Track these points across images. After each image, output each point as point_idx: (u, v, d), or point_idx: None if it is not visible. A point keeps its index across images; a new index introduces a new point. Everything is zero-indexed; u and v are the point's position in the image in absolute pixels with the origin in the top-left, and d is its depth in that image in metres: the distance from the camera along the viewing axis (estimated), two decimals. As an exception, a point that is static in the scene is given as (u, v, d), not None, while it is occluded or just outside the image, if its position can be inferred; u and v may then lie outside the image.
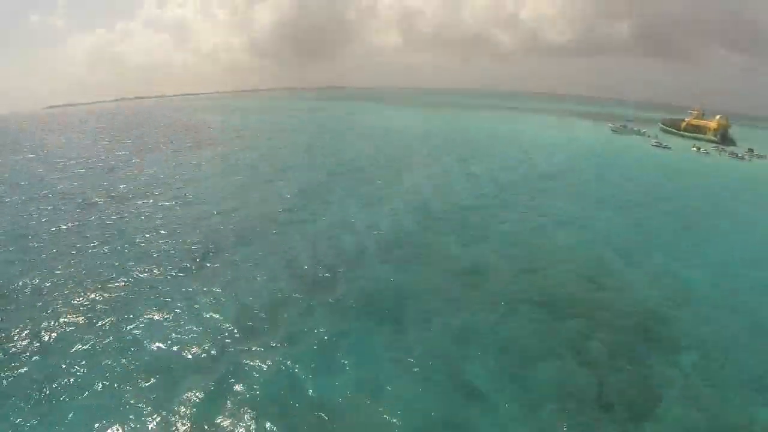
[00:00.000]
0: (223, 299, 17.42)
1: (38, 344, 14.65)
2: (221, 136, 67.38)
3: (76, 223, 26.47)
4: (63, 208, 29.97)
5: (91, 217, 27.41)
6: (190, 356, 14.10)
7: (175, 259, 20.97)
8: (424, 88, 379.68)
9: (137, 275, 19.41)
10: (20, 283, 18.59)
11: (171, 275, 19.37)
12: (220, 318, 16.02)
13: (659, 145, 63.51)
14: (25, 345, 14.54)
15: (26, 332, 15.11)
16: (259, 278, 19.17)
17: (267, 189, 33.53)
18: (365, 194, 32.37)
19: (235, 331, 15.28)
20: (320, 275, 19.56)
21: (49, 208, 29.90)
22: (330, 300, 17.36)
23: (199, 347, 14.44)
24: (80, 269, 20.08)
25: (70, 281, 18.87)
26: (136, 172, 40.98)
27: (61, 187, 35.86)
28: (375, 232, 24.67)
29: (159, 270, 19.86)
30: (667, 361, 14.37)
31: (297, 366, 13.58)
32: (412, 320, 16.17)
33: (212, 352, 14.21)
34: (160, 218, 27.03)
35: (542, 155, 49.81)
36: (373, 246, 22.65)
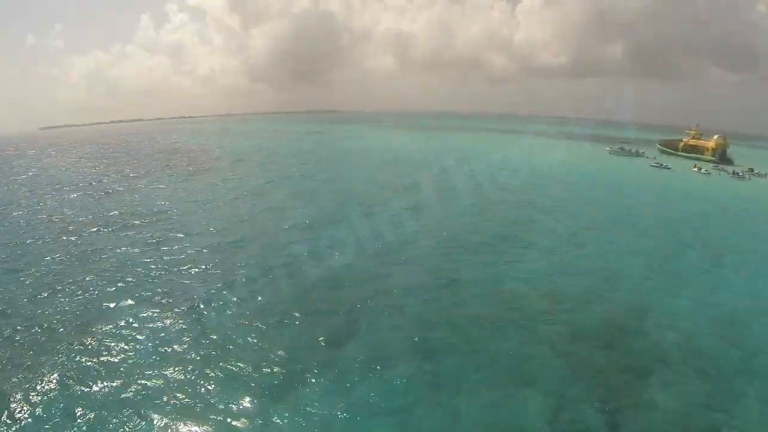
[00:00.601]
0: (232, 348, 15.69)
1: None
2: (219, 161, 65.93)
3: (60, 256, 24.70)
4: (50, 238, 28.34)
5: (81, 250, 25.73)
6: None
7: (169, 298, 19.32)
8: (417, 111, 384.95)
9: (127, 318, 17.70)
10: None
11: (168, 320, 17.65)
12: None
13: (659, 166, 63.16)
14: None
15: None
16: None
17: (272, 219, 31.37)
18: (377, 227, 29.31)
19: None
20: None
21: (36, 237, 28.26)
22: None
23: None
24: (64, 310, 18.36)
25: (53, 322, 17.15)
26: (131, 198, 39.42)
27: (51, 213, 34.27)
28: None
29: (153, 311, 18.18)
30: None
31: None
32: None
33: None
34: (157, 251, 25.38)
35: (541, 180, 48.63)
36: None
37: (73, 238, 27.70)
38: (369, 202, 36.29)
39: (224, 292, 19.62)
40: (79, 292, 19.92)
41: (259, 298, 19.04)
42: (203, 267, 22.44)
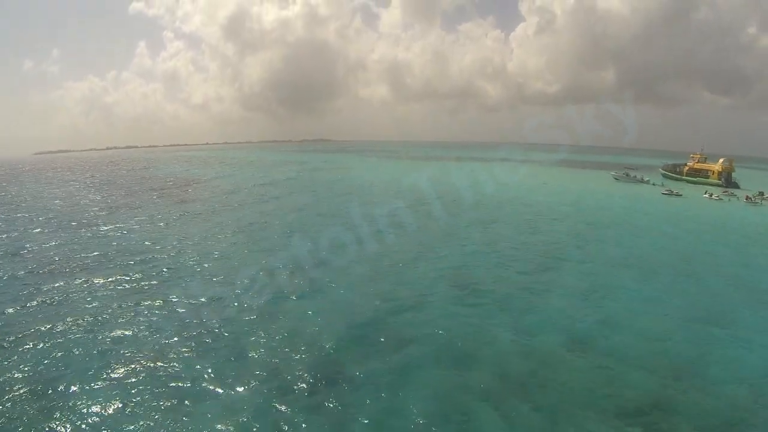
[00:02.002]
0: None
1: None
2: (212, 193, 62.65)
3: (22, 305, 21.20)
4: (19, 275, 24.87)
5: (47, 298, 22.25)
6: None
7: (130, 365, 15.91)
8: (411, 140, 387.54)
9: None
10: None
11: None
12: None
13: (670, 193, 61.12)
14: None
15: None
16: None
17: (267, 263, 27.25)
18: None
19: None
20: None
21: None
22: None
23: None
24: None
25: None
26: (113, 234, 36.00)
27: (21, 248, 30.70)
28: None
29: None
30: None
31: None
32: None
33: None
34: (130, 299, 22.02)
35: (552, 214, 45.27)
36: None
37: (35, 283, 24.19)
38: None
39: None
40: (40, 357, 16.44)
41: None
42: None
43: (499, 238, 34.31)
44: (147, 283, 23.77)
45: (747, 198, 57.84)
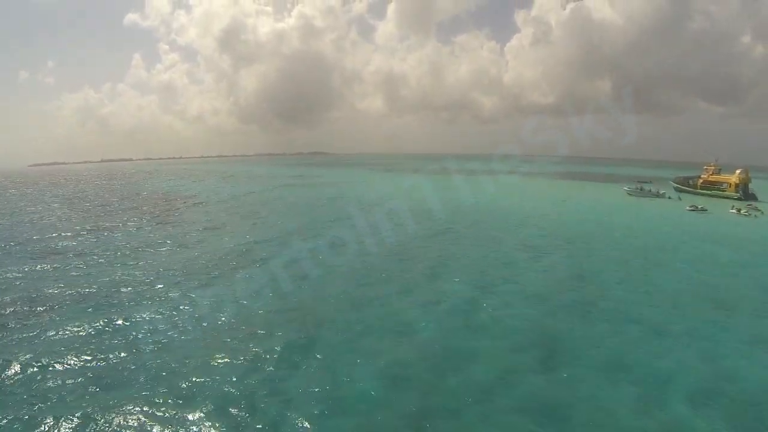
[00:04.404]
0: None
1: None
2: (195, 214, 57.32)
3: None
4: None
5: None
6: None
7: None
8: (409, 153, 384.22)
9: None
10: None
11: None
12: None
13: (695, 209, 56.50)
14: None
15: None
16: None
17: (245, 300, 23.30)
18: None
19: None
20: None
21: None
22: None
23: None
24: None
25: None
26: (70, 267, 30.97)
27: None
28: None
29: None
30: None
31: None
32: None
33: None
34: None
35: (568, 236, 39.98)
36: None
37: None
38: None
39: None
40: None
41: None
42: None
43: (558, 268, 29.23)
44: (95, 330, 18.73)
45: (776, 212, 54.23)
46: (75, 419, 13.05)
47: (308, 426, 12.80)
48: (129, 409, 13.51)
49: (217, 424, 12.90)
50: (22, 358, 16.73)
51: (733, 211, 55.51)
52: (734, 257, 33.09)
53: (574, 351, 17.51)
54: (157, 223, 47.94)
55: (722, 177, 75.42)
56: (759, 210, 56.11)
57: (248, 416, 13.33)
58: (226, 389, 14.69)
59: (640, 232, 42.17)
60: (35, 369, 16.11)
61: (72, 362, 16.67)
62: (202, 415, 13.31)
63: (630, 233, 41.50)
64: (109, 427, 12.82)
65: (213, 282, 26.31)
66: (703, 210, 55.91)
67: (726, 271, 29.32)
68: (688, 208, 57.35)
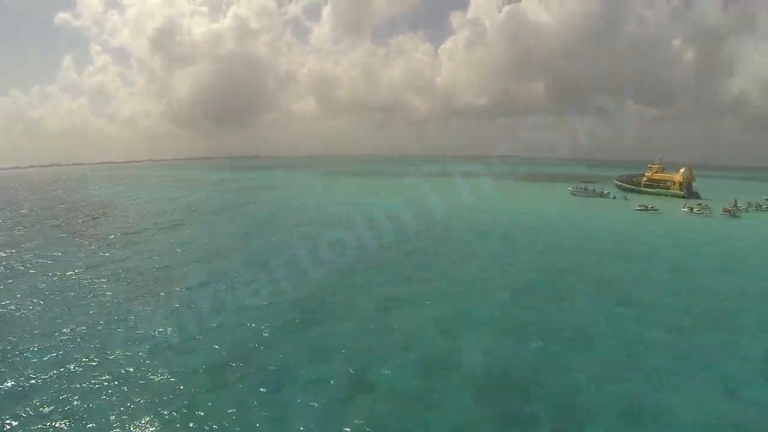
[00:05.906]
0: None
1: None
2: (115, 225, 47.60)
3: None
4: None
5: None
6: None
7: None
8: (341, 155, 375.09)
9: None
10: None
11: None
12: None
13: (645, 209, 50.96)
14: None
15: None
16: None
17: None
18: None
19: None
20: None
21: None
22: None
23: None
24: None
25: None
26: None
27: None
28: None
29: None
30: None
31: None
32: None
33: None
34: None
35: (530, 241, 34.35)
36: None
37: None
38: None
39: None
40: None
41: None
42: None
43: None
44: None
45: (724, 210, 50.31)
46: None
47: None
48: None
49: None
50: None
51: (686, 210, 50.85)
52: (706, 264, 28.85)
53: None
54: (78, 236, 40.24)
55: (666, 175, 72.67)
56: (708, 208, 51.79)
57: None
58: None
59: (594, 236, 35.97)
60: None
61: None
62: None
63: (588, 237, 35.46)
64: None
65: None
66: (654, 210, 50.58)
67: (703, 282, 25.25)
68: (637, 207, 51.75)
